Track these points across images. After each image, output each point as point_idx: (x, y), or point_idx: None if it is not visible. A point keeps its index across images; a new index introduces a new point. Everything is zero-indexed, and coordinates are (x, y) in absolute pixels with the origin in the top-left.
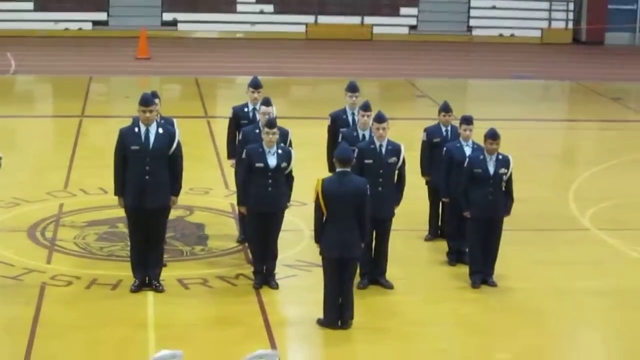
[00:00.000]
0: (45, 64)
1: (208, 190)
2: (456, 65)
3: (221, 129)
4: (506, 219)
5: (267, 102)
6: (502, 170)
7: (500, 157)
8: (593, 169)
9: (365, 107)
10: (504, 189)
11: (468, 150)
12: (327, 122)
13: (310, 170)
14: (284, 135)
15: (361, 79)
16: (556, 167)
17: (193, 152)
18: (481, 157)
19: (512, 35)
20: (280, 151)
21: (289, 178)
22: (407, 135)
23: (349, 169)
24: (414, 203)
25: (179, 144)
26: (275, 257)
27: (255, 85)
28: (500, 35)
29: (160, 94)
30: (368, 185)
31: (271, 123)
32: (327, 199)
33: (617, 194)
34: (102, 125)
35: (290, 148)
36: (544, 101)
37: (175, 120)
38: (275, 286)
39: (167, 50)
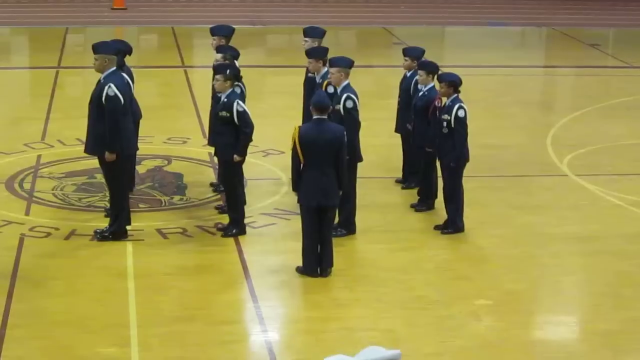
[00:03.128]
0: (21, 15)
1: (186, 139)
2: (433, 13)
3: (198, 78)
4: (486, 165)
5: (216, 50)
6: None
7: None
8: (570, 115)
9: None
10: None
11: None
12: (304, 72)
13: (286, 118)
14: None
15: (338, 27)
16: (534, 114)
17: (171, 102)
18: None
19: None
20: (225, 99)
21: (239, 131)
22: (383, 82)
23: (325, 117)
24: (391, 150)
25: (107, 98)
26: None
27: (210, 32)
28: None
29: (137, 45)
30: (345, 132)
31: (213, 69)
32: (304, 146)
33: (595, 140)
34: (78, 77)
35: (234, 100)
36: (521, 48)
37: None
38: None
39: (142, 1)
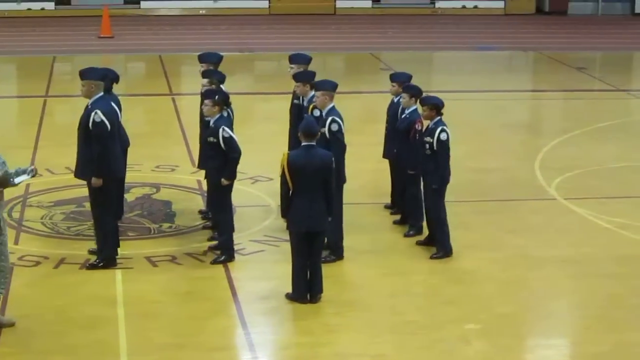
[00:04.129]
0: (8, 44)
1: (174, 167)
2: (420, 38)
3: (186, 105)
4: (474, 190)
5: (203, 75)
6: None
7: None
8: (558, 139)
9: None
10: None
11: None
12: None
13: (275, 144)
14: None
15: (326, 53)
16: (522, 137)
17: (159, 129)
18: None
19: (475, 6)
20: (212, 125)
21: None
22: (372, 108)
23: (314, 143)
24: (379, 175)
25: (94, 124)
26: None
27: (199, 59)
28: (464, 7)
29: (125, 72)
30: (333, 159)
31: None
32: (293, 172)
33: (583, 163)
34: (67, 105)
35: (220, 127)
36: (508, 72)
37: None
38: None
39: (130, 28)
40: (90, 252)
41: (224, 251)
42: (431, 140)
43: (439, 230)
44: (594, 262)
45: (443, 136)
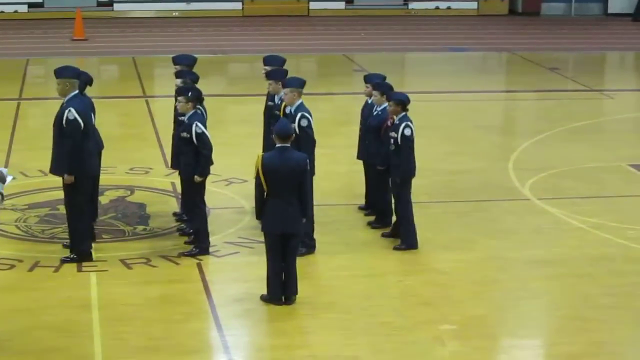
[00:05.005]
0: None
1: (148, 170)
2: (393, 39)
3: (160, 108)
4: (447, 191)
5: (176, 75)
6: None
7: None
8: (532, 139)
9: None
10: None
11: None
12: (265, 101)
13: (249, 146)
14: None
15: (299, 54)
16: (495, 138)
17: (133, 132)
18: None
19: (448, 7)
20: (186, 121)
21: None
22: (345, 110)
23: (288, 144)
24: (353, 177)
25: (67, 121)
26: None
27: (173, 61)
28: (437, 7)
29: (98, 75)
30: (308, 161)
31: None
32: (267, 174)
33: (557, 163)
34: (40, 108)
35: (194, 122)
36: (481, 73)
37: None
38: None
39: (103, 31)
40: (65, 246)
41: (200, 241)
42: (396, 136)
43: (404, 224)
44: (567, 262)
45: (407, 131)
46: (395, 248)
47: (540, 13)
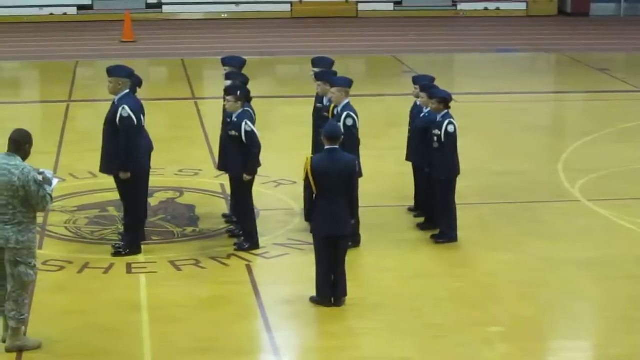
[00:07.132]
0: (31, 49)
1: (198, 171)
2: (442, 40)
3: (208, 109)
4: (497, 192)
5: (226, 77)
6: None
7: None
8: (582, 140)
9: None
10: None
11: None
12: (313, 102)
13: (298, 148)
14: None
15: (347, 56)
16: (545, 140)
17: (182, 133)
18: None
19: (497, 8)
20: (235, 119)
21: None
22: (394, 111)
23: (337, 146)
24: (402, 178)
25: (121, 119)
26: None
27: (222, 62)
28: (486, 8)
29: (147, 77)
30: (357, 162)
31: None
32: (316, 176)
33: (606, 164)
34: (89, 110)
35: (243, 120)
36: (530, 74)
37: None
38: None
39: (152, 33)
40: (114, 246)
41: (248, 238)
42: (439, 133)
43: (445, 221)
44: (616, 263)
45: (450, 128)
46: (437, 242)
47: (589, 13)
